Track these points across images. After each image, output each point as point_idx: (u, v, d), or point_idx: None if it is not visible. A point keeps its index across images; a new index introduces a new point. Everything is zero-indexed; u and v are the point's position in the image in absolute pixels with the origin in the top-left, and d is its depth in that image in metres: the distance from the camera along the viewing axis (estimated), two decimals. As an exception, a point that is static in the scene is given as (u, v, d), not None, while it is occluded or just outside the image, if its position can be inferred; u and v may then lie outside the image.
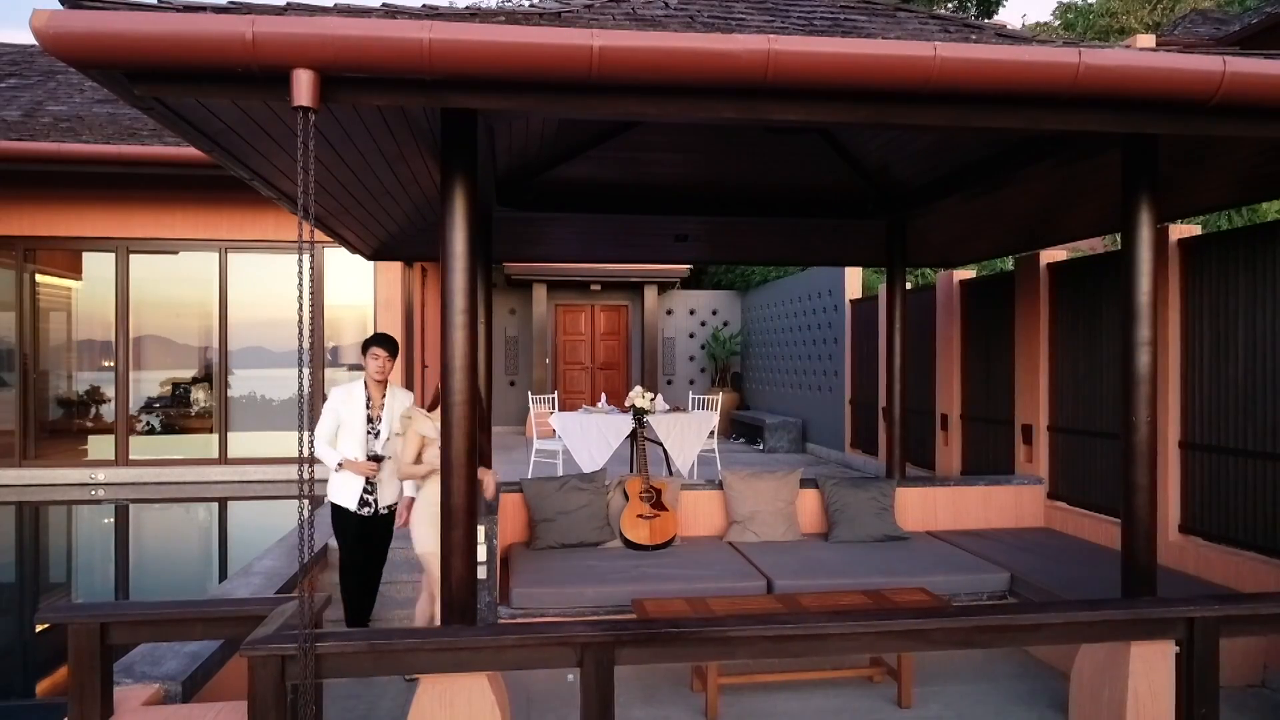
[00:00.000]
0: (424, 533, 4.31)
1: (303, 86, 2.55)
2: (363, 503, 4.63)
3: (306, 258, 5.97)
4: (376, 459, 4.62)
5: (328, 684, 4.01)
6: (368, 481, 4.65)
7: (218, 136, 3.48)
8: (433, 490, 4.20)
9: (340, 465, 4.55)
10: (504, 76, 2.69)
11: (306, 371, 2.68)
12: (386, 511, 4.73)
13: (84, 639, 2.95)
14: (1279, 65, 2.96)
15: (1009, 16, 33.32)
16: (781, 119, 3.01)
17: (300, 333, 2.63)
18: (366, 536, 4.68)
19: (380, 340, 4.67)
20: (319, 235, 7.81)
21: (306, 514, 2.68)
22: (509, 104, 2.85)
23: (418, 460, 4.33)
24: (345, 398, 4.62)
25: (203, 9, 2.51)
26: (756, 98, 2.92)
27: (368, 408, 4.64)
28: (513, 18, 2.79)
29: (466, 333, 3.29)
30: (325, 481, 4.68)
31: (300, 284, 2.63)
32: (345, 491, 4.62)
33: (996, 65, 2.83)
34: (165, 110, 3.02)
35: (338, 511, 4.65)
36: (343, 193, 4.74)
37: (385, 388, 4.72)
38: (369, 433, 4.64)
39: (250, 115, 3.25)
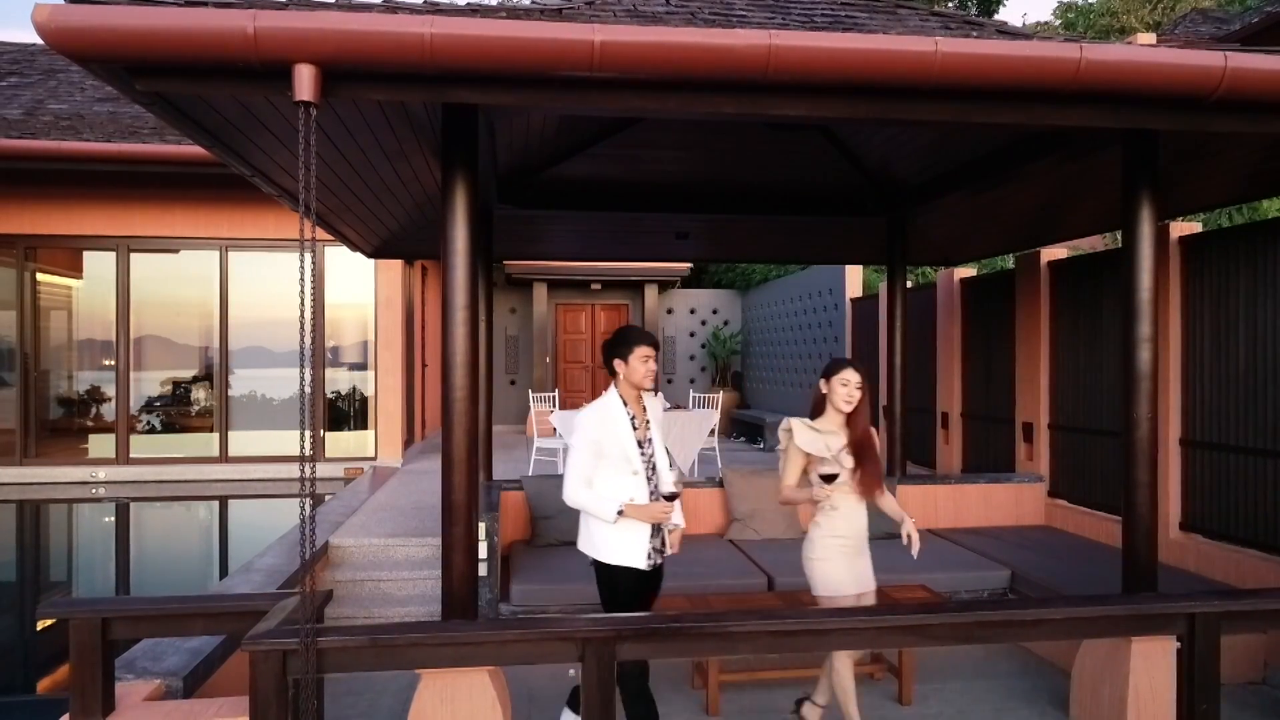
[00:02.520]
0: (830, 571, 3.43)
1: (304, 81, 2.55)
2: (647, 556, 3.42)
3: (307, 256, 5.95)
4: (669, 497, 3.36)
5: (329, 681, 4.02)
6: (654, 531, 3.43)
7: (219, 132, 3.48)
8: (839, 520, 3.43)
9: (621, 513, 3.29)
10: (505, 71, 2.69)
11: (308, 371, 2.68)
12: (663, 558, 3.54)
13: (85, 634, 2.95)
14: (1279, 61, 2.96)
15: (1009, 16, 33.28)
16: (782, 114, 3.01)
17: (302, 331, 2.62)
18: (643, 592, 3.49)
19: (645, 336, 3.44)
20: (321, 233, 7.81)
21: (308, 511, 2.68)
22: (510, 99, 2.85)
23: (801, 484, 3.37)
24: (605, 421, 3.38)
25: (204, 3, 2.52)
26: (757, 93, 2.92)
27: (634, 429, 3.42)
28: (514, 13, 2.79)
29: (467, 329, 3.29)
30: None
31: (302, 281, 2.63)
32: (629, 547, 3.37)
33: (998, 60, 2.83)
34: (167, 106, 3.02)
35: (615, 572, 3.41)
36: (344, 189, 4.74)
37: (642, 397, 3.52)
38: (643, 458, 3.41)
39: (251, 111, 3.26)
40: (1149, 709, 3.47)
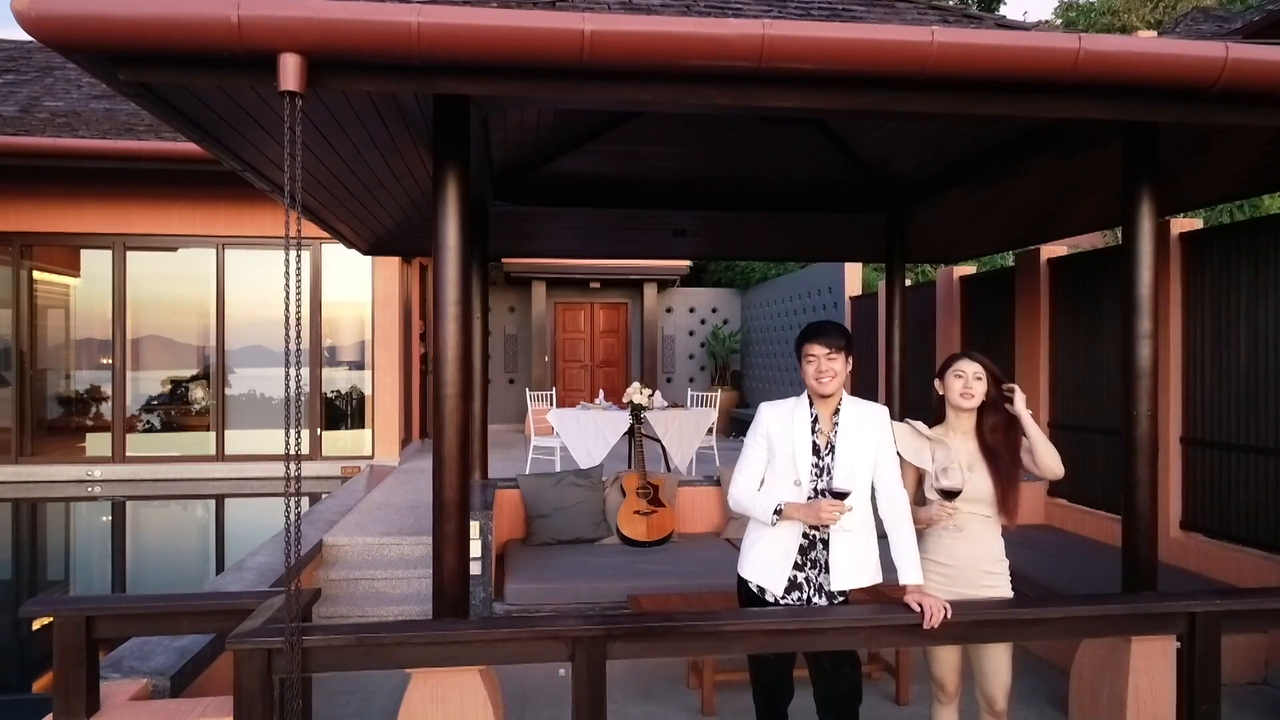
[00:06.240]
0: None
1: (289, 71, 2.50)
2: (793, 584, 2.95)
3: (307, 254, 5.91)
4: (838, 495, 2.77)
5: (319, 680, 3.98)
6: (806, 548, 2.93)
7: (207, 126, 3.44)
8: (934, 541, 3.01)
9: (779, 513, 2.86)
10: (494, 61, 2.65)
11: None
12: (841, 600, 3.00)
13: (69, 632, 2.91)
14: (1282, 52, 2.91)
15: (1010, 15, 33.23)
16: (776, 106, 2.96)
17: (287, 326, 2.58)
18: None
19: (816, 332, 3.02)
20: (317, 231, 7.78)
21: (294, 510, 2.65)
22: (500, 90, 2.80)
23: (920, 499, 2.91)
24: (780, 415, 3.01)
25: (187, -9, 2.47)
26: (751, 84, 2.87)
27: (813, 432, 2.97)
28: (504, 3, 2.75)
29: (458, 324, 3.25)
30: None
31: (287, 274, 2.58)
32: (768, 563, 2.96)
33: (995, 51, 2.78)
34: (153, 97, 2.97)
35: (743, 589, 3.09)
36: (336, 184, 4.69)
37: (835, 402, 3.02)
38: (815, 468, 2.93)
39: (239, 103, 3.22)
40: (1149, 709, 3.42)
